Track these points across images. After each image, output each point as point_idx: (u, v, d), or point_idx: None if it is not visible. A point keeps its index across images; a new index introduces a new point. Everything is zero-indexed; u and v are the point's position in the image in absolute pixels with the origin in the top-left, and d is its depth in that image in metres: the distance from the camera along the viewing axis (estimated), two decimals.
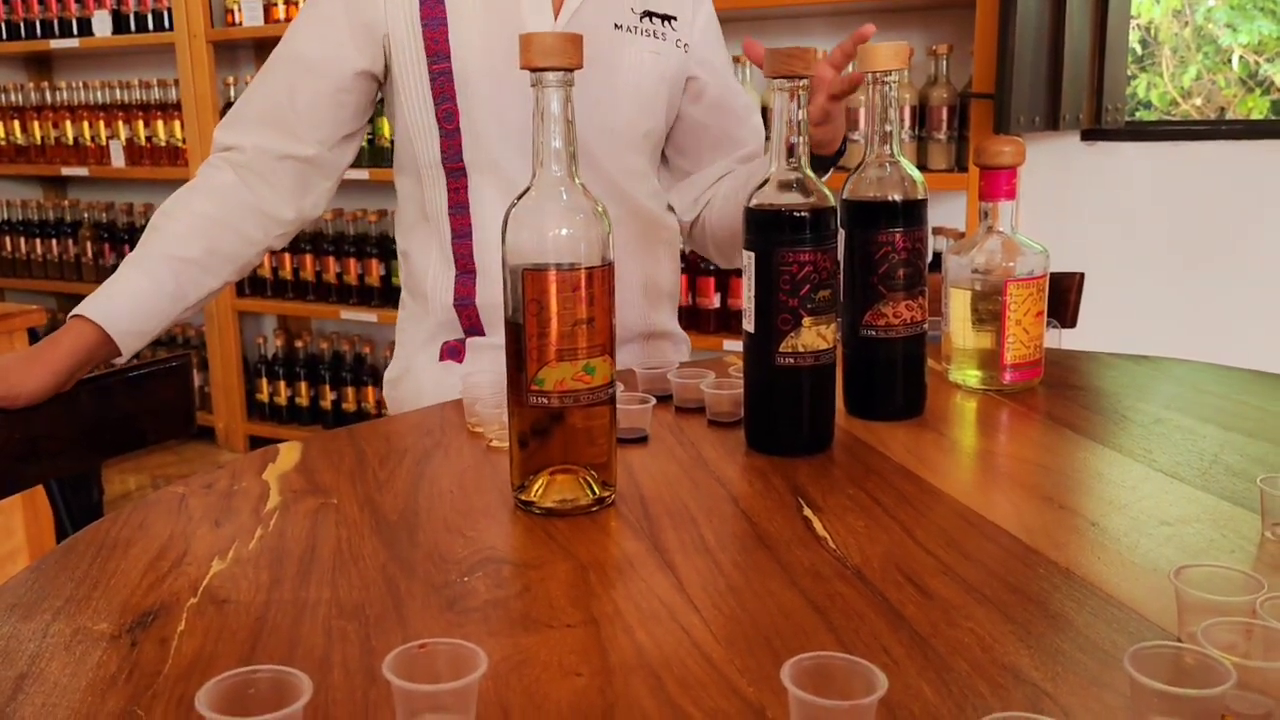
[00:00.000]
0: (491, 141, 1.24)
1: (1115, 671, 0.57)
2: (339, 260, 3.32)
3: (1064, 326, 1.45)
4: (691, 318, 2.82)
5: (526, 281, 0.76)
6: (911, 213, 1.00)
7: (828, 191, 0.91)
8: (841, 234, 1.00)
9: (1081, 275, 1.50)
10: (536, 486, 0.80)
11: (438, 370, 1.30)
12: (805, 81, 0.89)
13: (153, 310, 1.12)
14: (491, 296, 1.27)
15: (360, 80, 1.26)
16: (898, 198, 0.99)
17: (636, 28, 1.28)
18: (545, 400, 0.78)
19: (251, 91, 1.27)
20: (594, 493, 0.80)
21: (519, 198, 0.78)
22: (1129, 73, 2.79)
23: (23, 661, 0.60)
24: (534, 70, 0.76)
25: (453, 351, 1.31)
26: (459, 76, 1.22)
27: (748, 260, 0.91)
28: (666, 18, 1.30)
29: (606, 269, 0.78)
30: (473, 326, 1.30)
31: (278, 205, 1.24)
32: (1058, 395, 1.09)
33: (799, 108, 0.89)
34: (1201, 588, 0.60)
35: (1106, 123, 2.52)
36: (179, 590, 0.69)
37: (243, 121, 1.25)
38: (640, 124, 1.30)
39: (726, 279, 2.79)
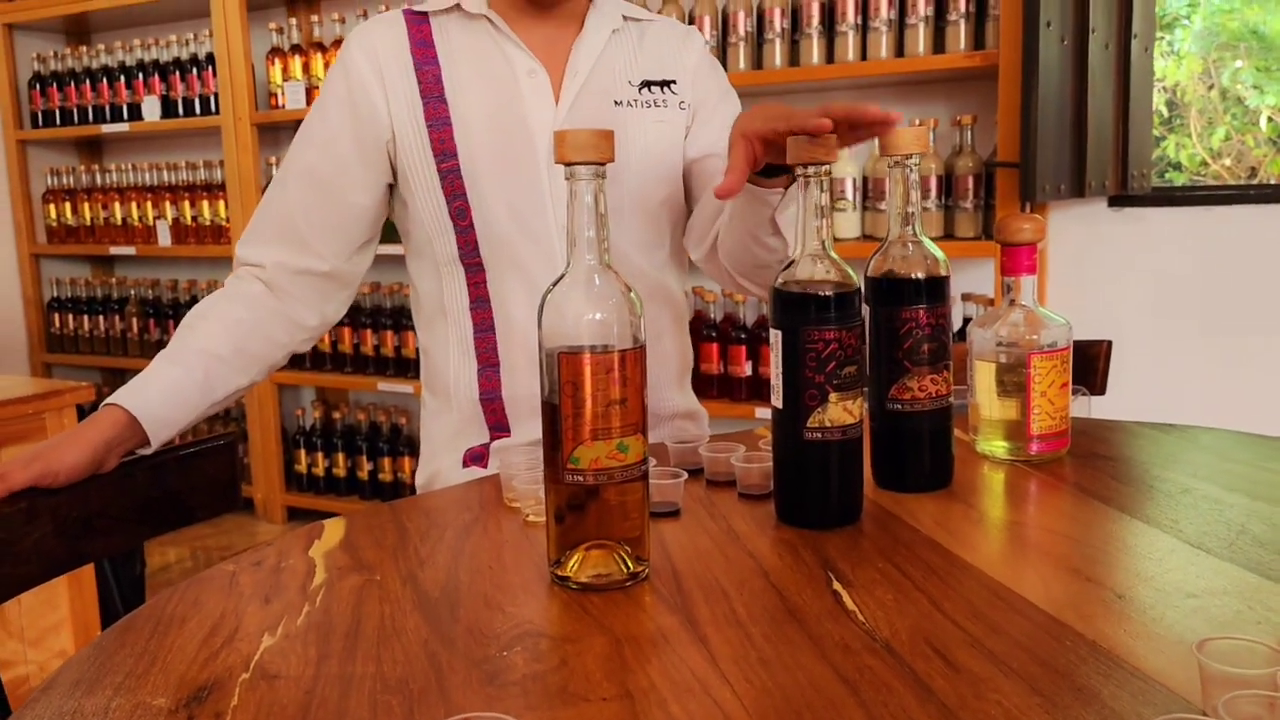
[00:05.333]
0: (506, 234, 1.26)
1: None
2: (376, 333, 3.39)
3: (1093, 394, 1.47)
4: (723, 386, 2.85)
5: (562, 364, 0.80)
6: (934, 290, 1.03)
7: (851, 271, 0.94)
8: (866, 311, 1.03)
9: (1109, 343, 1.52)
10: (572, 562, 0.82)
11: (464, 477, 1.30)
12: (827, 168, 0.92)
13: (182, 400, 1.15)
14: (517, 389, 1.29)
15: (373, 195, 1.29)
16: (921, 275, 1.02)
17: (636, 100, 1.30)
18: (580, 478, 0.80)
19: (267, 205, 1.30)
20: (628, 568, 0.83)
21: (554, 284, 0.82)
22: (1157, 134, 2.81)
23: None
24: (568, 165, 0.80)
25: (476, 458, 1.32)
26: (467, 173, 1.25)
27: (775, 339, 0.94)
28: (665, 84, 1.31)
29: (638, 351, 0.81)
30: (498, 422, 1.31)
31: (302, 313, 1.28)
32: (1085, 465, 1.10)
33: (822, 192, 0.93)
34: (1225, 661, 0.61)
35: (1133, 189, 2.54)
36: (232, 665, 0.72)
37: (260, 239, 1.29)
38: (654, 194, 1.31)
39: (758, 348, 2.82)
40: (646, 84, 1.31)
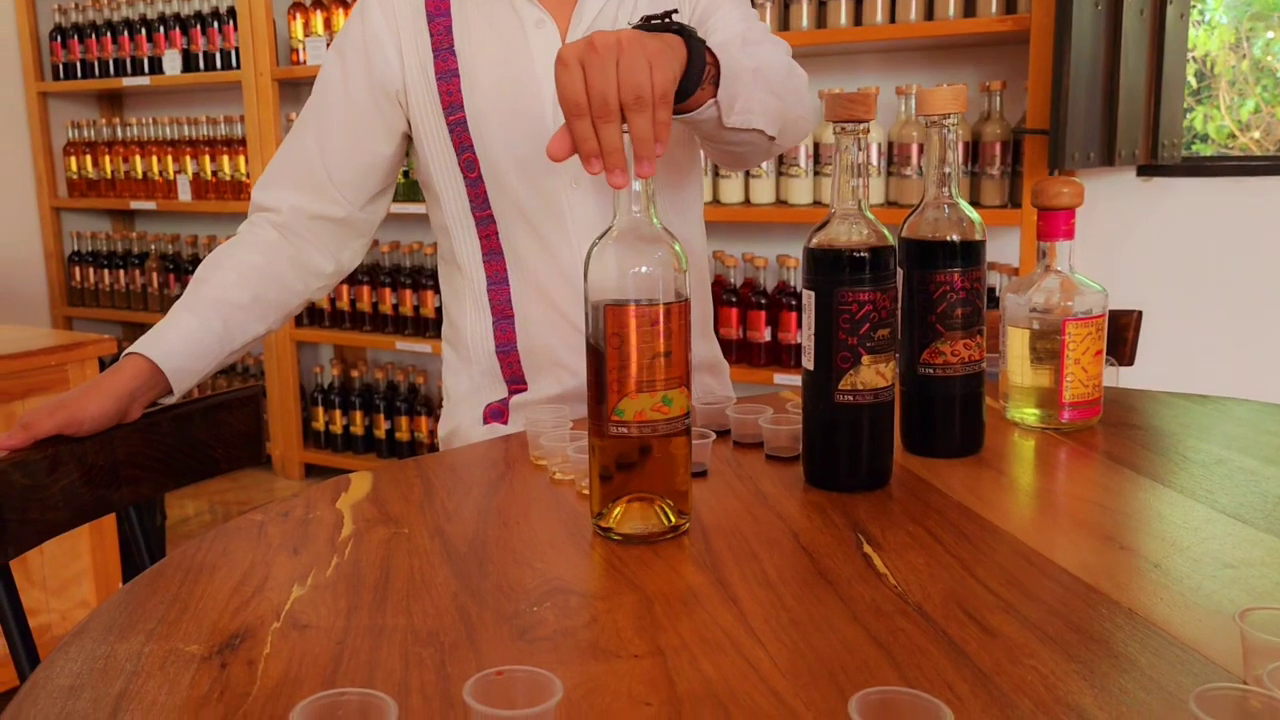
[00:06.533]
0: (514, 185, 1.26)
1: (1180, 713, 0.58)
2: (395, 291, 3.39)
3: (1122, 365, 1.45)
4: (742, 351, 2.84)
5: (608, 316, 0.79)
6: (969, 253, 1.01)
7: (886, 231, 0.92)
8: (900, 273, 1.01)
9: (1139, 313, 1.50)
10: (615, 514, 0.82)
11: (485, 433, 1.31)
12: (866, 126, 0.91)
13: (202, 350, 1.15)
14: (531, 342, 1.29)
15: (389, 143, 1.29)
16: (956, 238, 1.01)
17: None
18: (625, 430, 0.80)
19: (286, 150, 1.30)
20: (669, 520, 0.82)
21: (601, 237, 0.82)
22: (1185, 106, 2.77)
23: (121, 680, 0.63)
24: None
25: (496, 414, 1.32)
26: (474, 125, 1.25)
27: (807, 299, 0.93)
28: (665, 15, 1.28)
29: (684, 304, 0.81)
30: (515, 375, 1.31)
31: (317, 260, 1.28)
32: (1117, 434, 1.09)
33: (859, 150, 0.91)
34: (1268, 631, 0.60)
35: (1163, 159, 2.50)
36: (263, 614, 0.72)
37: (278, 183, 1.29)
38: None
39: (778, 313, 2.80)
40: (646, 19, 1.27)
